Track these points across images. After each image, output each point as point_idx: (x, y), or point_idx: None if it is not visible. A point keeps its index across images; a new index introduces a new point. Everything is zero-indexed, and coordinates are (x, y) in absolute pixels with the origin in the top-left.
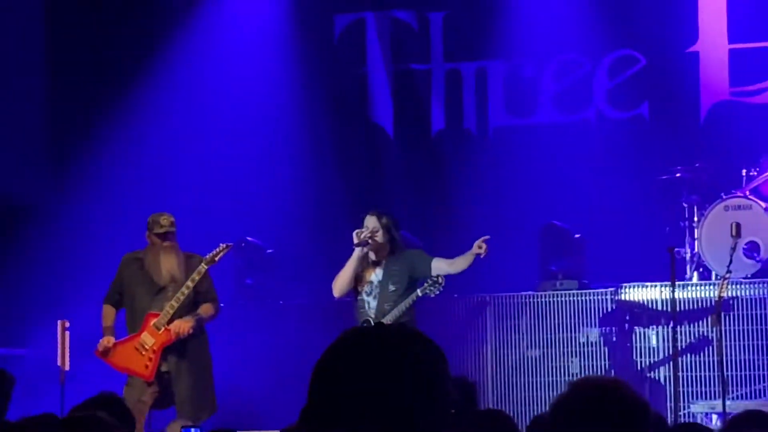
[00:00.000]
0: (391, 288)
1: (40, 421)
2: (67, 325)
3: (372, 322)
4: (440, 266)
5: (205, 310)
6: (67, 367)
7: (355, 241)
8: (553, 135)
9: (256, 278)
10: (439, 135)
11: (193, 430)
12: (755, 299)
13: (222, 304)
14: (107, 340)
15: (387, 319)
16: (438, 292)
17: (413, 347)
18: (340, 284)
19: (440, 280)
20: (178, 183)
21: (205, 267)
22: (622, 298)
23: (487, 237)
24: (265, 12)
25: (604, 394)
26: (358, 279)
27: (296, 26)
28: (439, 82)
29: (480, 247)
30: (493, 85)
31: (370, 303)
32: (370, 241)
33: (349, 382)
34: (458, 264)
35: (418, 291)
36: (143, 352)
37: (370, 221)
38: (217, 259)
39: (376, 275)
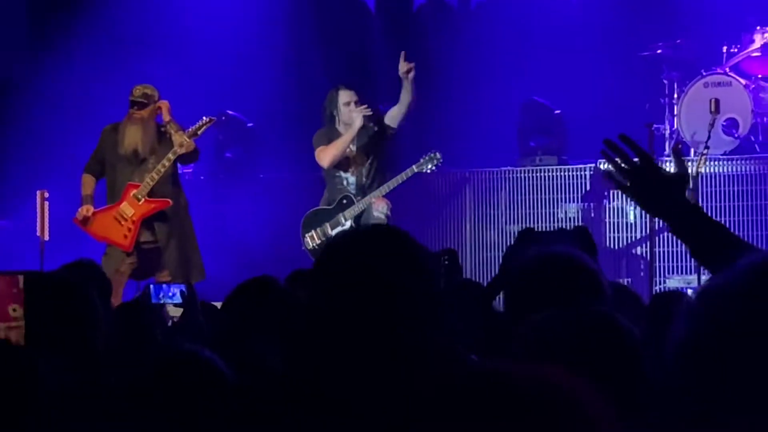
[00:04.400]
0: (371, 158)
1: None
2: (47, 195)
3: (354, 198)
4: (392, 114)
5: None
6: (46, 237)
7: (361, 121)
8: (535, 8)
9: (235, 151)
10: (421, 9)
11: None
12: (733, 176)
13: (202, 177)
14: (86, 209)
15: (375, 194)
16: (435, 168)
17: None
18: (335, 154)
19: (436, 155)
20: (159, 58)
21: (189, 140)
22: (601, 173)
23: (410, 64)
24: None
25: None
26: None
27: None
28: None
29: (403, 69)
30: None
31: (348, 179)
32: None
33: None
34: (403, 99)
35: (414, 167)
36: (122, 222)
37: (350, 94)
38: (199, 132)
39: (350, 149)
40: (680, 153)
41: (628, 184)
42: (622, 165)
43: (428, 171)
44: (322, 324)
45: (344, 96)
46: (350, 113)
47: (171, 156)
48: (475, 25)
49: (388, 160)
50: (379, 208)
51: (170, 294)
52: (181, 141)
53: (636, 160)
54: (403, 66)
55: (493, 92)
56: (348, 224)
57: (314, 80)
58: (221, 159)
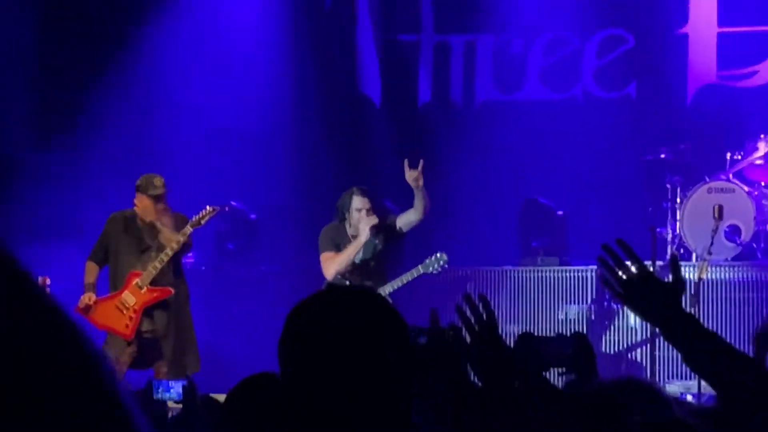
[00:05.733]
0: (372, 264)
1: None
2: (48, 282)
3: None
4: (406, 219)
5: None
6: None
7: (367, 235)
8: (540, 111)
9: (238, 243)
10: (426, 107)
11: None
12: (734, 282)
13: (203, 268)
14: (88, 297)
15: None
16: (440, 270)
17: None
18: (338, 269)
19: (442, 256)
20: (164, 146)
21: (191, 229)
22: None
23: (416, 172)
24: None
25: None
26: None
27: None
28: (428, 54)
29: (411, 177)
30: (482, 59)
31: (350, 281)
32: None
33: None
34: (417, 206)
35: (420, 267)
36: (124, 311)
37: (364, 202)
38: (203, 222)
39: (355, 260)
40: (677, 261)
41: (623, 291)
42: (618, 272)
43: (434, 272)
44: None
45: (357, 202)
46: (360, 221)
47: (174, 245)
48: (480, 123)
49: (392, 258)
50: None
51: (170, 389)
52: (175, 238)
53: (631, 266)
54: (409, 175)
55: (497, 191)
56: None
57: (318, 175)
58: (223, 250)
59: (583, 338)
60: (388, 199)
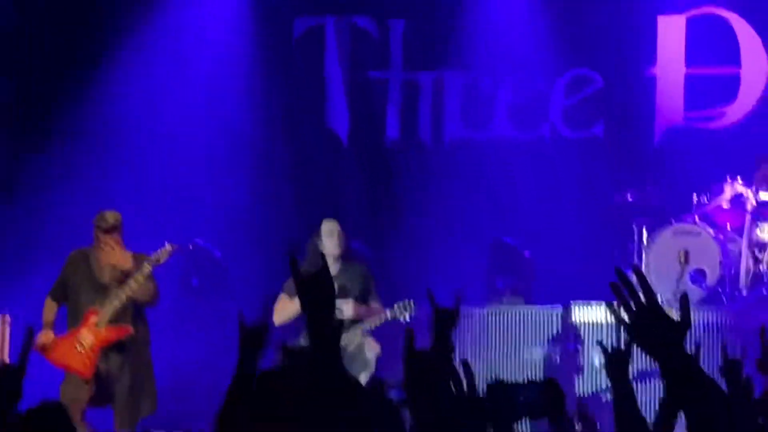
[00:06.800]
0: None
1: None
2: (8, 320)
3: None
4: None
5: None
6: (6, 362)
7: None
8: (508, 150)
9: (202, 280)
10: (394, 144)
11: None
12: (699, 326)
13: (166, 303)
14: (46, 336)
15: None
16: (409, 318)
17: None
18: (282, 320)
19: (410, 304)
20: (127, 183)
21: (149, 267)
22: (568, 318)
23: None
24: (225, 12)
25: None
26: None
27: (255, 28)
28: (396, 92)
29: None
30: (450, 97)
31: None
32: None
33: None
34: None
35: (388, 314)
36: (82, 350)
37: (332, 224)
38: (162, 260)
39: None
40: (687, 300)
41: (630, 320)
42: (628, 301)
43: (402, 321)
44: None
45: (325, 226)
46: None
47: (133, 284)
48: (447, 161)
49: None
50: (374, 350)
51: None
52: (143, 269)
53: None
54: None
55: (463, 230)
56: None
57: (285, 210)
58: (187, 286)
59: (554, 385)
60: (354, 237)
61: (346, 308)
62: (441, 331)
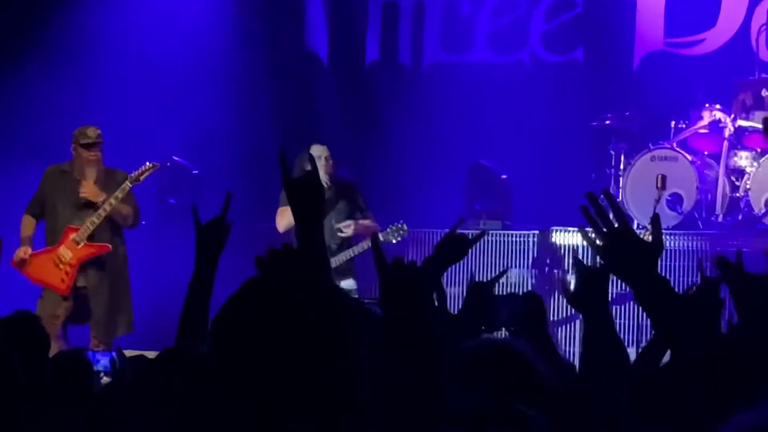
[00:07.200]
0: (336, 225)
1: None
2: None
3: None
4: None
5: (126, 209)
6: None
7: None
8: (487, 74)
9: (180, 198)
10: (373, 66)
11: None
12: (675, 251)
13: (144, 222)
14: (24, 251)
15: (337, 260)
16: (401, 239)
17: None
18: (289, 224)
19: (403, 227)
20: (106, 100)
21: (130, 185)
22: (545, 241)
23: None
24: None
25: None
26: None
27: None
28: (376, 13)
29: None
30: (430, 20)
31: None
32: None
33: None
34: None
35: (380, 236)
36: (60, 266)
37: (321, 149)
38: (142, 178)
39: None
40: (659, 221)
41: (602, 244)
42: (600, 224)
43: (395, 242)
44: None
45: (315, 150)
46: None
47: (113, 201)
48: (427, 84)
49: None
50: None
51: (98, 362)
52: (123, 186)
53: (614, 220)
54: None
55: (441, 153)
56: None
57: (264, 131)
58: (165, 205)
59: (535, 298)
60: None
61: (346, 229)
62: (448, 254)
